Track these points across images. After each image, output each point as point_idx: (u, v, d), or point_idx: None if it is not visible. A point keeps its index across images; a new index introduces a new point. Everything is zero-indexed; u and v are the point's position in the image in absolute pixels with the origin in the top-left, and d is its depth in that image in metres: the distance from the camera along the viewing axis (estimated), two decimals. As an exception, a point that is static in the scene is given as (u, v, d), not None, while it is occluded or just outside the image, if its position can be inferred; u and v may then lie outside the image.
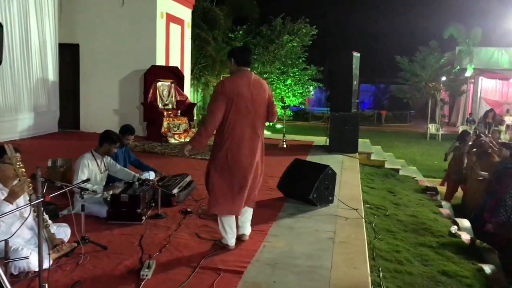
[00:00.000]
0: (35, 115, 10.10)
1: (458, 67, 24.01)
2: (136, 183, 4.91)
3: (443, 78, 23.76)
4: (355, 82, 9.65)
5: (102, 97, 11.17)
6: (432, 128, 20.68)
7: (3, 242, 3.06)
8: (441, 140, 19.24)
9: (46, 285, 2.27)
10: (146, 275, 3.30)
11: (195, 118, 12.13)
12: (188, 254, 3.83)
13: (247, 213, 4.18)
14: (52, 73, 10.65)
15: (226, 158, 3.85)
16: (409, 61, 24.23)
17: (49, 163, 5.84)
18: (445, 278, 4.52)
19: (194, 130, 11.37)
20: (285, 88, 18.87)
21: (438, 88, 23.24)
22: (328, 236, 4.43)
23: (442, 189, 9.43)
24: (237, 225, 4.07)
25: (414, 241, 5.57)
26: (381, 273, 4.34)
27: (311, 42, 19.28)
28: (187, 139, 10.37)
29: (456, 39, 24.05)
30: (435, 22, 25.79)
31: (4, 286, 1.14)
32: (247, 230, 4.21)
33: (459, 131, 11.85)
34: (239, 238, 4.11)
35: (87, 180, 4.00)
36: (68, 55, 11.22)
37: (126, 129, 5.72)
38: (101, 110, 11.04)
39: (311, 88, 20.27)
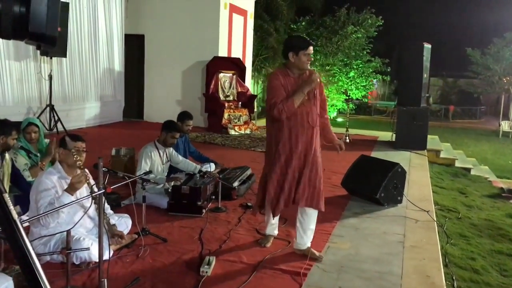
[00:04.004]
0: (101, 104, 10.37)
1: (536, 61, 22.33)
2: (197, 175, 4.83)
3: (519, 73, 22.23)
4: (425, 75, 9.19)
5: (165, 87, 11.31)
6: (505, 125, 19.40)
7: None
8: (515, 139, 18.02)
9: (105, 280, 2.18)
10: (206, 271, 3.18)
11: (255, 110, 11.99)
12: (248, 251, 3.68)
13: None
14: (118, 64, 10.89)
15: None
16: (481, 53, 22.82)
17: (113, 152, 5.91)
18: (527, 291, 4.11)
19: (254, 122, 11.25)
20: (347, 81, 18.33)
21: (513, 83, 21.80)
22: (397, 239, 4.14)
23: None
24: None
25: (490, 247, 5.13)
26: (455, 282, 4.00)
27: (376, 33, 18.58)
28: (247, 131, 10.28)
29: (535, 30, 22.37)
30: (511, 12, 24.00)
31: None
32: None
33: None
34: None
35: (149, 172, 3.95)
36: (134, 46, 11.42)
37: (184, 115, 5.60)
38: (164, 100, 11.17)
39: (375, 80, 19.56)
